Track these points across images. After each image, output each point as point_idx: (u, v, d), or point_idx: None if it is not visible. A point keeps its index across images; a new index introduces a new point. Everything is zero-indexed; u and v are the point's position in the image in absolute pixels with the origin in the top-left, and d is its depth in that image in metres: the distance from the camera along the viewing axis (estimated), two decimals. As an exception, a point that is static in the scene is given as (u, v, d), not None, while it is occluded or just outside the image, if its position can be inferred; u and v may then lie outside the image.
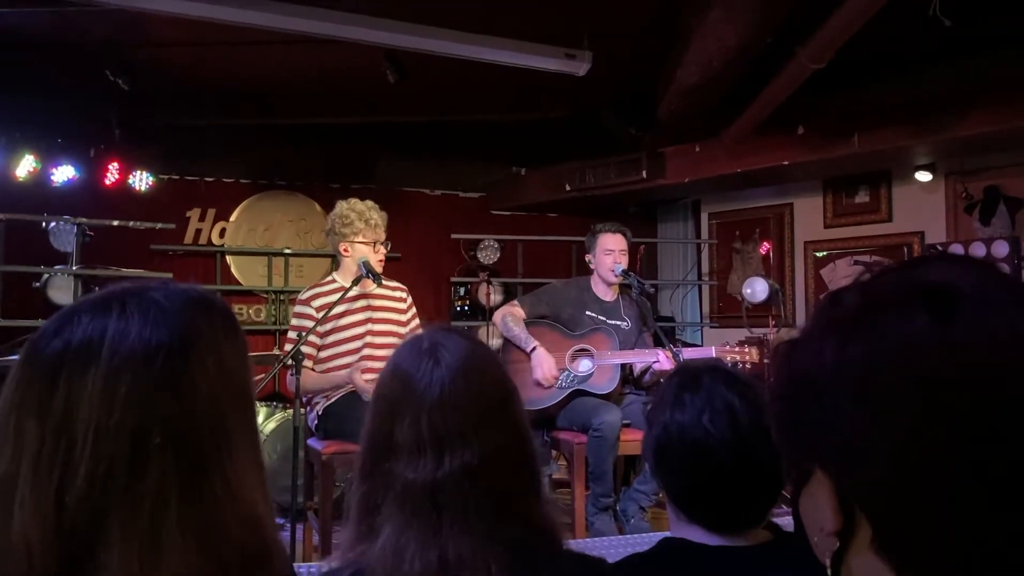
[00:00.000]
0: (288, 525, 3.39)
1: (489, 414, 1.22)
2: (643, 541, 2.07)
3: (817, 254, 6.98)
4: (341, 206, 3.73)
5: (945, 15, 3.27)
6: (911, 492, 0.60)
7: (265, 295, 7.00)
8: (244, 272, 7.01)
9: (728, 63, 4.60)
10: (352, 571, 1.16)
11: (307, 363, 3.54)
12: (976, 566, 0.59)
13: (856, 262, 6.42)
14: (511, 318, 4.09)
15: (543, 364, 3.93)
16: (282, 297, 6.95)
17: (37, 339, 0.80)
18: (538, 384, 3.94)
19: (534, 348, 3.96)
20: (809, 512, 0.70)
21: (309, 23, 4.22)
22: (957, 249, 5.68)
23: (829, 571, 0.68)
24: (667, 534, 1.50)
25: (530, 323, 4.08)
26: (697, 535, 1.40)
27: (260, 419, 5.39)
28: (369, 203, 3.76)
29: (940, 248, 5.76)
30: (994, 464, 0.57)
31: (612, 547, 2.27)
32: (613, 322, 4.09)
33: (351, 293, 3.58)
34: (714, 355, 3.91)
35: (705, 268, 7.81)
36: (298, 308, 3.70)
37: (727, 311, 7.49)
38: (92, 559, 0.73)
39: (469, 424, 1.19)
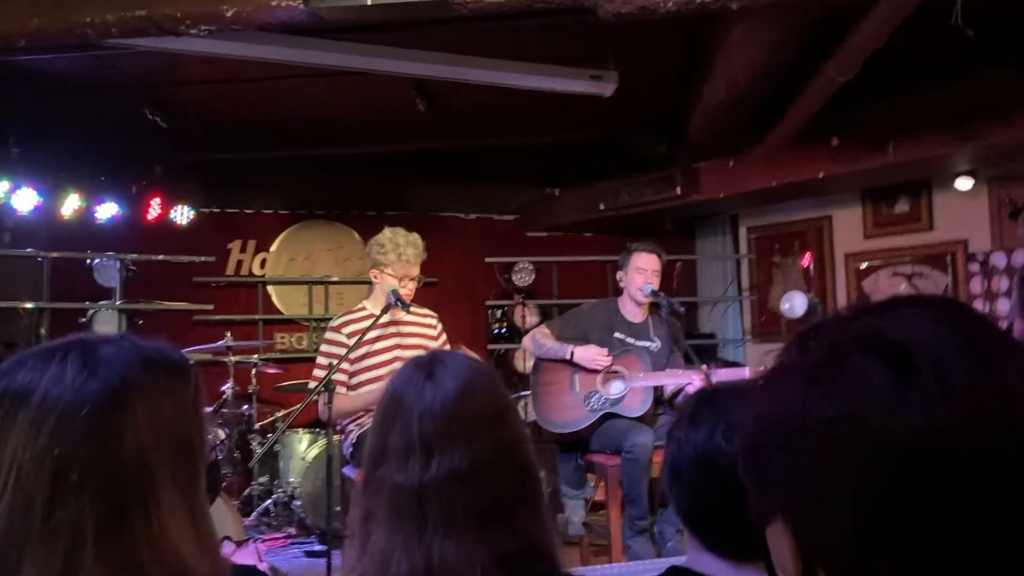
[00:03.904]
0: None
1: (481, 424, 1.23)
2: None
3: (859, 266, 6.88)
4: (384, 233, 3.70)
5: (971, 24, 3.22)
6: (863, 549, 0.60)
7: (306, 323, 7.11)
8: (285, 301, 7.13)
9: (755, 79, 4.58)
10: None
11: (340, 390, 3.58)
12: None
13: (896, 274, 6.30)
14: (541, 336, 4.11)
15: (592, 355, 3.92)
16: (323, 325, 6.99)
17: None
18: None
19: (572, 351, 3.95)
20: (774, 553, 0.71)
21: (339, 57, 4.31)
22: (999, 259, 5.56)
23: None
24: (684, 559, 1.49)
25: (561, 345, 4.08)
26: (706, 564, 1.38)
27: (304, 446, 5.49)
28: (412, 238, 3.70)
29: (983, 255, 5.63)
30: (946, 524, 0.57)
31: (647, 571, 2.24)
32: (642, 343, 4.07)
33: (382, 320, 3.62)
34: (747, 376, 3.86)
35: (745, 283, 7.72)
36: (329, 335, 3.74)
37: (769, 326, 7.39)
38: None
39: (459, 431, 1.20)
